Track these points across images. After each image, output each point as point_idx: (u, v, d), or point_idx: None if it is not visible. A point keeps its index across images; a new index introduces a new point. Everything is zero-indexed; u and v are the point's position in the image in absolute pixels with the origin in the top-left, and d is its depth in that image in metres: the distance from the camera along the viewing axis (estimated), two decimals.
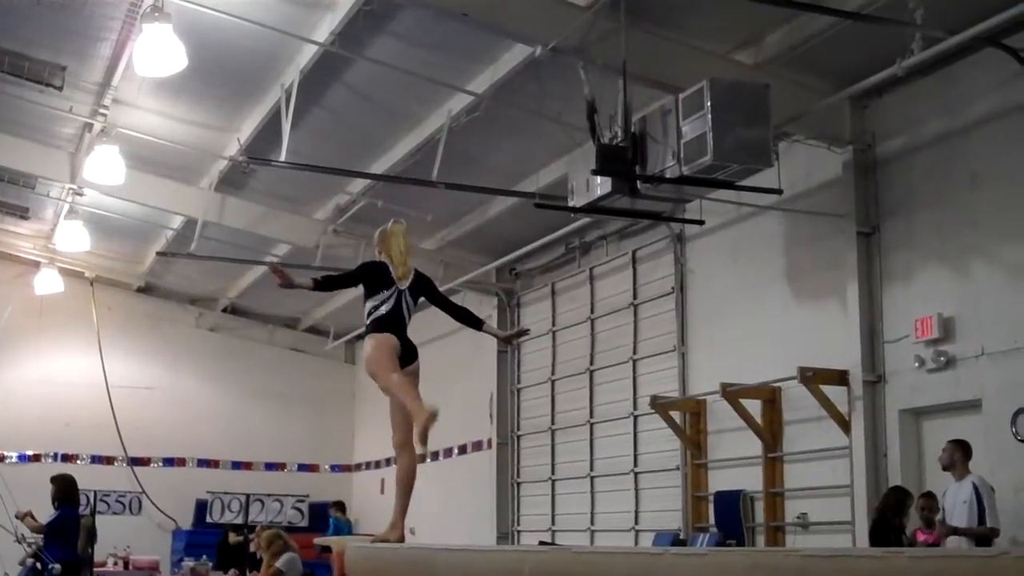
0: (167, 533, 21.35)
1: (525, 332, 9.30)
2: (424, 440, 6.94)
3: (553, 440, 16.50)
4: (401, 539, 7.31)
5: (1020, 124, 10.13)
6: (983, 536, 9.43)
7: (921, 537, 9.97)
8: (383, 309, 7.37)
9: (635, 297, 14.99)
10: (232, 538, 18.51)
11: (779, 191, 11.47)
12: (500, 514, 17.37)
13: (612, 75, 10.12)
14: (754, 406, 12.53)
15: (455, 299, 17.37)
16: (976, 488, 9.50)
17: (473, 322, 7.82)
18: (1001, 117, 10.28)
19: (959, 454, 9.74)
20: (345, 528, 19.56)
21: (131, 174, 15.01)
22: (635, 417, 14.74)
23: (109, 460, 21.42)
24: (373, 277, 7.48)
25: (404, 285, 7.45)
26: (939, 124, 10.87)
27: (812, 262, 12.23)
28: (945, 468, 9.84)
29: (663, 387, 14.13)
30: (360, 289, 7.62)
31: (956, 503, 9.61)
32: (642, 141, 10.02)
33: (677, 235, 14.14)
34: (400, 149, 13.96)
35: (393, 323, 7.37)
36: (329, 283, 7.48)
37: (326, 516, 21.71)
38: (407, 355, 7.36)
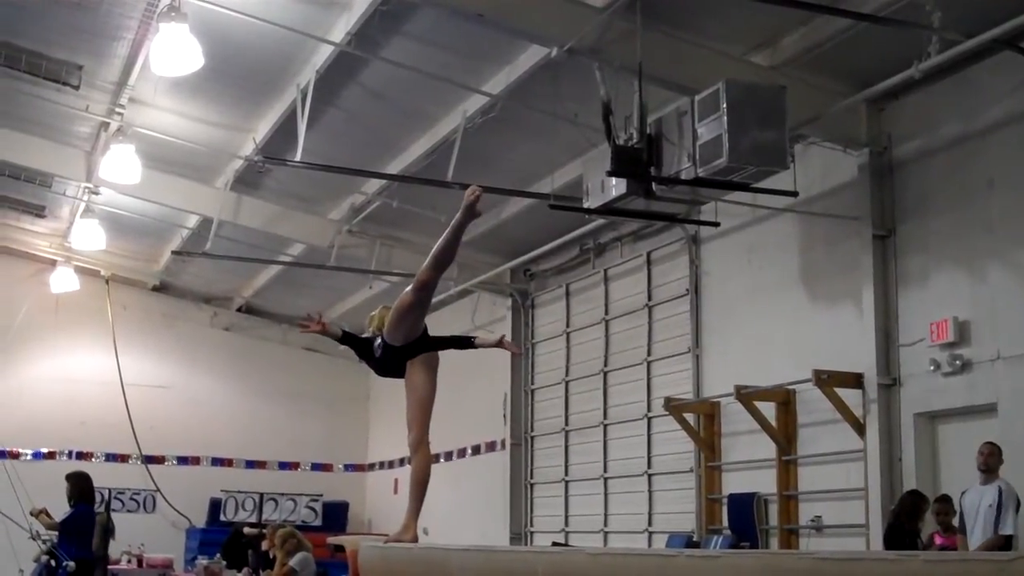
0: (181, 531, 21.40)
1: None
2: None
3: (567, 441, 16.49)
4: (414, 539, 7.30)
5: None
6: (995, 547, 9.28)
7: (939, 541, 9.90)
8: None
9: (649, 299, 14.97)
10: (248, 531, 18.62)
11: (795, 193, 11.46)
12: (513, 515, 17.35)
13: (628, 76, 10.12)
14: (768, 408, 12.51)
15: (470, 299, 17.65)
16: (1001, 492, 9.33)
17: (464, 343, 7.65)
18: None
19: (997, 458, 9.51)
20: None
21: (147, 173, 15.07)
22: (649, 419, 14.72)
23: (124, 458, 21.50)
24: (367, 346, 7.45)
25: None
26: (956, 127, 10.84)
27: (827, 265, 12.20)
28: (984, 470, 9.51)
29: (677, 389, 14.11)
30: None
31: (981, 507, 9.42)
32: (658, 142, 10.03)
33: (692, 237, 14.12)
34: (415, 149, 13.98)
35: None
36: (349, 340, 7.53)
37: (340, 515, 21.79)
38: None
